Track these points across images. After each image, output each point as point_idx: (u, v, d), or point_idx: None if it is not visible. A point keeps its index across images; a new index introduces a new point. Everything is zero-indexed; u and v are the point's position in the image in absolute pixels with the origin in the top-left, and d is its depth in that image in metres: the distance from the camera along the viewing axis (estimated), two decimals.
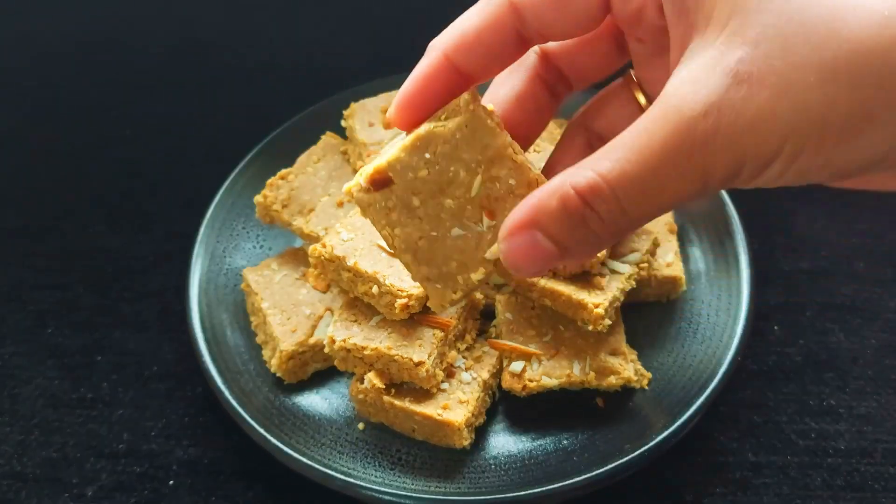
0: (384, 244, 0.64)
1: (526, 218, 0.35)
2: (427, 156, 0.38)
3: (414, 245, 0.38)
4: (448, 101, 0.39)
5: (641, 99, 0.42)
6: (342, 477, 0.59)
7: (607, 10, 0.38)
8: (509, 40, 0.38)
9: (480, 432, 0.65)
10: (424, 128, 0.38)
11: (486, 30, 0.38)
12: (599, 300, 0.63)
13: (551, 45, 0.42)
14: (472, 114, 0.37)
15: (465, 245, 0.38)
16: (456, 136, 0.38)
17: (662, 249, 0.72)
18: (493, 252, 0.38)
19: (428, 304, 0.39)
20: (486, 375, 0.65)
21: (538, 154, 0.69)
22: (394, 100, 0.39)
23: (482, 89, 0.41)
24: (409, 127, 0.39)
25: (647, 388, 0.65)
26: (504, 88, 0.41)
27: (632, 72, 0.43)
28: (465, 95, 0.38)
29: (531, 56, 0.42)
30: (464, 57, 0.38)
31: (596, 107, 0.44)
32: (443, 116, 0.38)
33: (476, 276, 0.38)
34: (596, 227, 0.34)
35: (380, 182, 0.38)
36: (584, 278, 0.65)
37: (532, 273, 0.36)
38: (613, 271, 0.66)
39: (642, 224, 0.35)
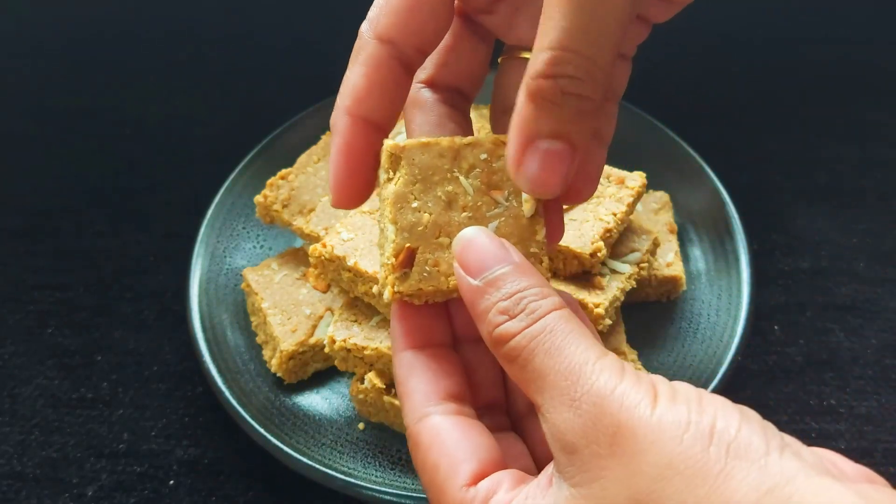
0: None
1: (519, 140, 0.35)
2: (414, 205, 0.38)
3: None
4: (376, 159, 0.40)
5: (527, 55, 0.42)
6: (342, 477, 0.59)
7: (451, 3, 0.39)
8: (395, 71, 0.39)
9: None
10: (387, 192, 0.39)
11: (372, 72, 0.39)
12: (599, 300, 0.63)
13: (428, 71, 0.43)
14: (405, 150, 0.38)
15: (508, 228, 0.39)
16: (415, 173, 0.38)
17: (662, 249, 0.72)
18: (528, 208, 0.38)
19: None
20: None
21: None
22: (331, 188, 0.40)
23: None
24: (358, 201, 0.40)
25: None
26: (420, 128, 0.42)
27: (506, 48, 0.44)
28: (386, 146, 0.38)
29: (423, 93, 0.43)
30: (367, 108, 0.39)
31: (501, 90, 0.44)
32: (388, 175, 0.39)
33: (539, 236, 0.39)
34: (577, 89, 0.34)
35: (405, 261, 0.38)
36: (584, 278, 0.65)
37: (561, 184, 0.36)
38: (613, 271, 0.66)
39: (613, 61, 0.34)
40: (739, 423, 0.30)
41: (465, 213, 0.39)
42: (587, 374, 0.32)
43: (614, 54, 0.34)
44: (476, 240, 0.37)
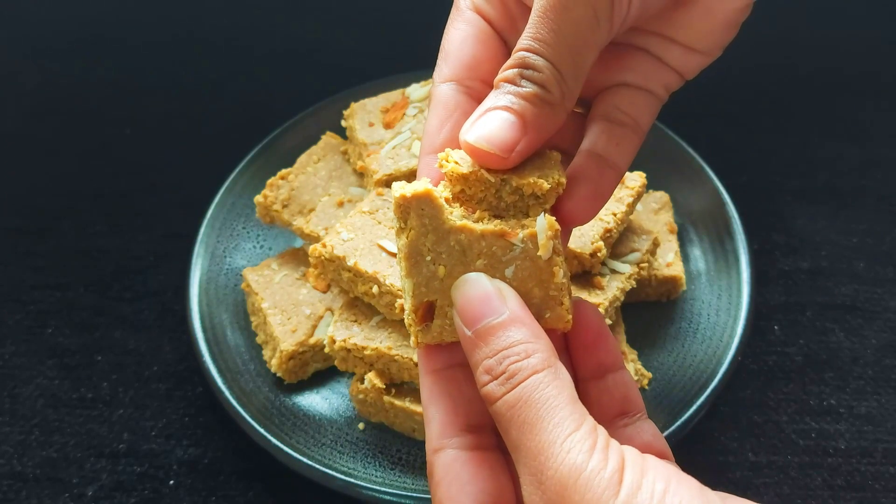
0: (384, 244, 0.64)
1: (476, 112, 0.37)
2: (428, 258, 0.38)
3: None
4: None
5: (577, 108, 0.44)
6: (342, 477, 0.59)
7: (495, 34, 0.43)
8: (465, 105, 0.41)
9: None
10: (401, 244, 0.38)
11: (443, 112, 0.41)
12: (599, 300, 0.63)
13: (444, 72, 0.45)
14: (413, 201, 0.37)
15: (525, 271, 0.38)
16: (426, 223, 0.37)
17: (662, 249, 0.72)
18: (545, 250, 0.37)
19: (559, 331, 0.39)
20: None
21: None
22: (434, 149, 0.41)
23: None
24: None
25: (647, 387, 0.65)
26: (431, 125, 0.43)
27: None
28: (395, 198, 0.38)
29: (440, 89, 0.44)
30: (444, 144, 0.41)
31: None
32: (401, 224, 0.38)
33: (558, 279, 0.38)
34: (535, 77, 0.36)
35: (426, 314, 0.38)
36: (585, 278, 0.65)
37: (503, 148, 0.37)
38: (613, 271, 0.66)
39: (577, 70, 0.37)
40: None
41: (480, 261, 0.37)
42: (554, 456, 0.32)
43: (577, 62, 0.37)
44: (471, 289, 0.37)
